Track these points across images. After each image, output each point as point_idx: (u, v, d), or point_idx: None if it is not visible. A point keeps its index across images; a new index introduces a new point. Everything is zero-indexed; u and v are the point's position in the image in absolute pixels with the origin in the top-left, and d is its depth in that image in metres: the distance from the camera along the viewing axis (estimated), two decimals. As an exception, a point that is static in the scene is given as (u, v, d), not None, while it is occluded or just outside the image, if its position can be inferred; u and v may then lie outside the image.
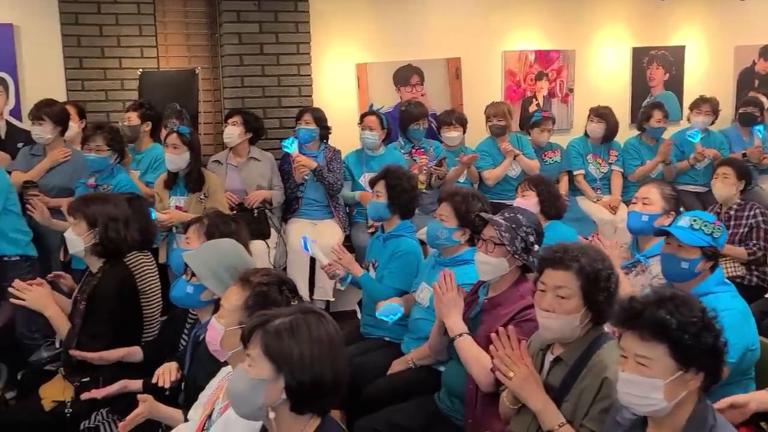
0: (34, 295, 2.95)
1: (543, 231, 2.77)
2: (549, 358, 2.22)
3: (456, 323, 2.61)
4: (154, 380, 2.64)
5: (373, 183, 3.69)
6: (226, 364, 2.26)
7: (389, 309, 3.21)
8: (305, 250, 3.72)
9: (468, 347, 2.56)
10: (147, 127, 4.71)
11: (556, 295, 2.14)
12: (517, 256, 2.62)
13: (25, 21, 5.07)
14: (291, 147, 4.65)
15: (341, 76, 5.71)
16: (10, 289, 2.95)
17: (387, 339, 3.55)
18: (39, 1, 5.07)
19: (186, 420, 2.37)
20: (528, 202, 3.69)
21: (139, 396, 2.48)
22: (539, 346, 2.28)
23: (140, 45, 5.23)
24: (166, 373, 2.67)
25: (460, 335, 2.59)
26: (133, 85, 5.18)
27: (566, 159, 5.62)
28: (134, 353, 2.96)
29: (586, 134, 5.69)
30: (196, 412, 2.29)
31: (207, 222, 3.05)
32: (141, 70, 5.18)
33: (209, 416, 2.17)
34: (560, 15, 6.26)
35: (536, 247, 2.66)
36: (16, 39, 5.06)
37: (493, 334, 2.23)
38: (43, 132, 4.31)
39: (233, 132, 4.72)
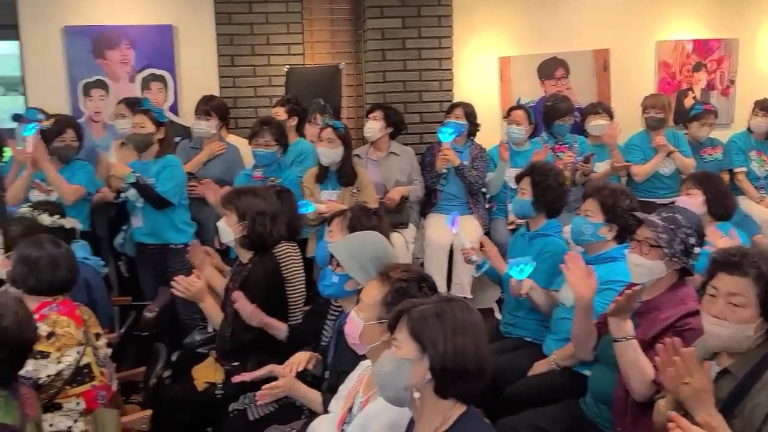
0: (194, 289, 3.10)
1: (705, 232, 2.57)
2: (714, 368, 2.04)
3: (628, 324, 2.42)
4: (284, 368, 2.69)
5: (518, 179, 3.60)
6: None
7: (520, 260, 3.13)
8: (450, 225, 3.62)
9: (632, 352, 2.39)
10: (293, 122, 4.85)
11: (728, 302, 1.96)
12: (675, 259, 2.45)
13: (184, 22, 5.37)
14: (448, 137, 4.56)
15: (483, 70, 5.61)
16: (173, 283, 3.11)
17: (528, 339, 3.46)
18: (196, 3, 5.36)
19: (325, 411, 2.40)
20: (693, 201, 3.44)
21: (279, 370, 2.54)
22: (702, 354, 2.10)
23: (287, 42, 5.41)
24: (295, 364, 2.73)
25: (628, 338, 2.40)
26: (280, 82, 5.35)
27: (727, 156, 5.23)
28: (281, 328, 3.04)
29: (749, 129, 5.27)
30: (337, 404, 2.32)
31: (350, 215, 3.08)
32: (288, 66, 5.34)
33: (350, 409, 2.19)
34: (722, 2, 5.83)
35: (697, 249, 2.48)
36: (175, 39, 5.37)
37: (659, 345, 2.06)
38: (209, 126, 4.58)
39: (374, 126, 4.76)
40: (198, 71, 5.37)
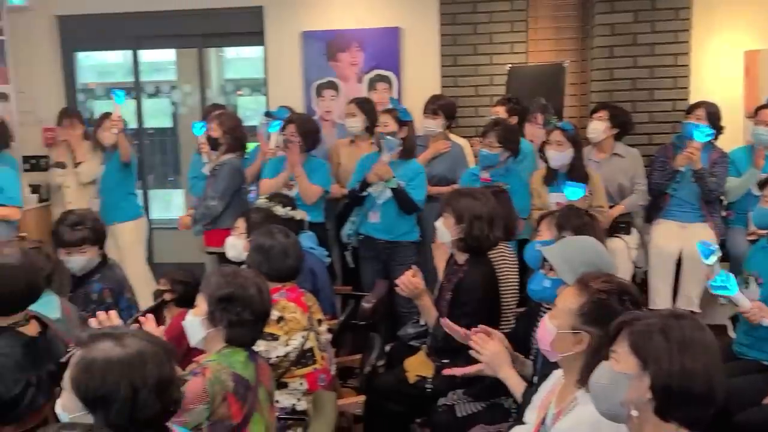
0: (417, 290, 3.18)
1: None
2: None
3: None
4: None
5: (761, 185, 3.24)
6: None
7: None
8: (704, 258, 3.13)
9: None
10: (513, 121, 4.80)
11: None
12: None
13: (410, 24, 5.54)
14: (704, 137, 4.20)
15: (725, 66, 5.13)
16: (398, 282, 3.21)
17: (766, 363, 3.12)
18: (422, 5, 5.50)
19: (523, 407, 2.35)
20: None
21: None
22: None
23: (510, 41, 5.38)
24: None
25: None
26: (501, 81, 5.32)
27: None
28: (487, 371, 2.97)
29: None
30: (531, 414, 2.25)
31: (558, 214, 2.99)
32: (510, 65, 5.30)
33: (543, 421, 2.12)
34: None
35: None
36: (401, 41, 5.56)
37: None
38: (435, 125, 4.67)
39: (598, 127, 4.56)
40: (421, 71, 5.51)
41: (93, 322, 2.38)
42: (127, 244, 5.04)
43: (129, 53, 6.48)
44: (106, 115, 5.10)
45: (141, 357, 1.59)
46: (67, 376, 1.62)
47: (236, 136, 4.65)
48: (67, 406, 1.61)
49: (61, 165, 5.28)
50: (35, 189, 5.85)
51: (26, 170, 5.94)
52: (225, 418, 2.14)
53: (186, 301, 3.01)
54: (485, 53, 5.42)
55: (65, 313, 2.93)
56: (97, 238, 3.32)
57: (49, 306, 2.80)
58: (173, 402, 1.67)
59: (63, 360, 2.44)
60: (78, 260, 3.25)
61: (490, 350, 2.53)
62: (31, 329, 2.46)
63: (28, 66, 5.88)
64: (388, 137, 4.18)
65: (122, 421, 1.55)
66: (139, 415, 1.57)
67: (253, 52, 6.60)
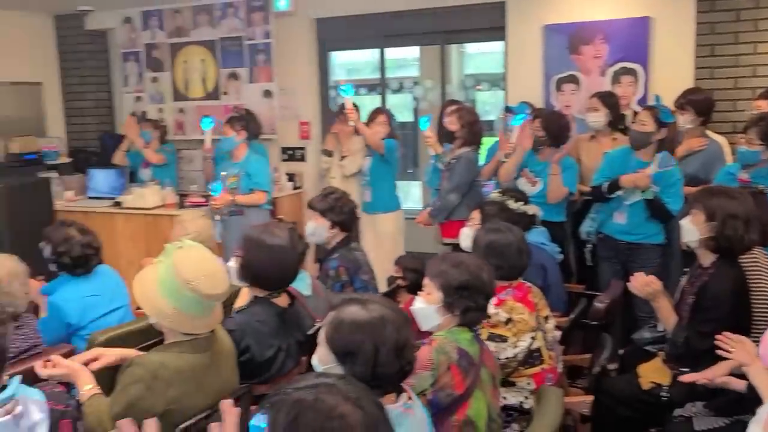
0: (649, 289, 3.02)
1: None
2: None
3: None
4: None
5: None
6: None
7: None
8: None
9: None
10: (780, 116, 4.33)
11: None
12: None
13: (662, 12, 5.21)
14: None
15: None
16: (631, 278, 3.07)
17: None
18: (677, -8, 5.17)
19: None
20: None
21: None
22: None
23: (779, 28, 4.86)
24: None
25: None
26: (766, 72, 4.84)
27: None
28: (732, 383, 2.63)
29: None
30: (757, 429, 2.03)
31: None
32: (777, 54, 4.80)
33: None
34: None
35: None
36: (651, 31, 5.25)
37: None
38: (683, 121, 4.39)
39: None
40: (672, 63, 5.17)
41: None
42: (385, 233, 5.35)
43: (376, 51, 6.87)
44: (377, 111, 5.42)
45: (382, 320, 1.80)
46: (322, 332, 1.85)
47: (473, 130, 4.73)
48: (322, 359, 1.84)
49: (328, 153, 5.70)
50: (290, 177, 6.46)
51: (284, 160, 6.58)
52: (448, 386, 2.23)
53: (417, 288, 3.12)
54: (748, 42, 4.95)
55: (315, 291, 3.21)
56: (325, 211, 3.53)
57: (303, 283, 3.09)
58: (408, 363, 1.84)
59: (310, 332, 2.70)
60: (308, 225, 3.56)
61: (746, 349, 2.32)
62: (282, 301, 2.73)
63: (289, 65, 6.47)
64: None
65: (366, 375, 1.73)
66: (380, 370, 1.76)
67: (494, 47, 6.65)
